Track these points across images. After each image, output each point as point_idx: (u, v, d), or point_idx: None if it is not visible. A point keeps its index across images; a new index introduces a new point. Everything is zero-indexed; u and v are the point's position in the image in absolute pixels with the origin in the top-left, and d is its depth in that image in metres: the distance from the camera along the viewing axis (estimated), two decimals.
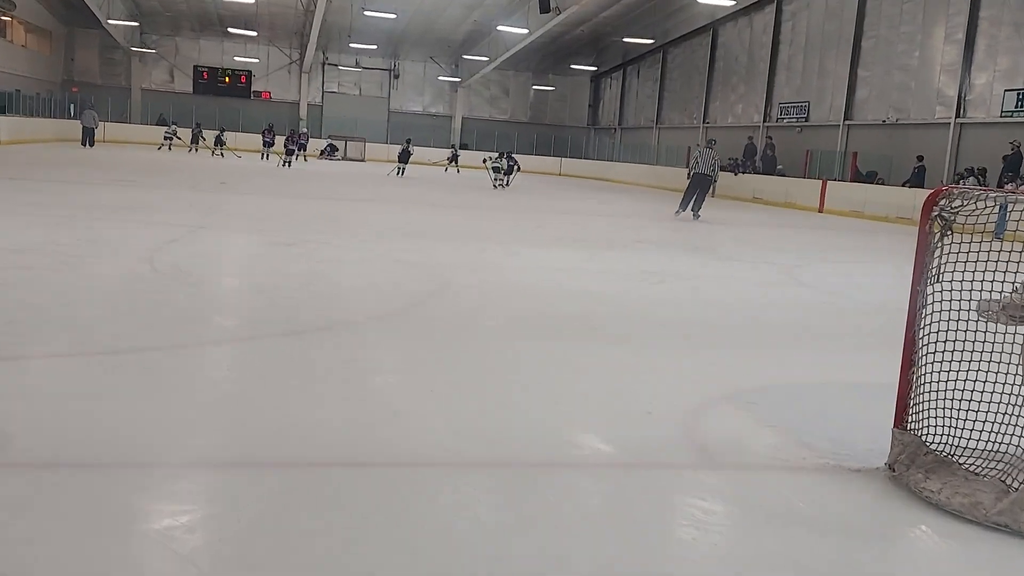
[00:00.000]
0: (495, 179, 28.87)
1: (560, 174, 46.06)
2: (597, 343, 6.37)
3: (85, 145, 35.54)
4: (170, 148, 38.57)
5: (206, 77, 46.42)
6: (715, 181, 20.23)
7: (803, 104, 31.57)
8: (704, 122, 38.51)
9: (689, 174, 20.31)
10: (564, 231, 14.95)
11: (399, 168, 32.68)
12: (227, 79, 46.65)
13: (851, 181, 26.69)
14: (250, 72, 46.88)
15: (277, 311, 6.70)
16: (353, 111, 48.07)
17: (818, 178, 27.87)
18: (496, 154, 29.84)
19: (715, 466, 4.01)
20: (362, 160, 42.89)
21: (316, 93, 48.33)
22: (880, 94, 27.94)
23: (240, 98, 46.63)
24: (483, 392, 4.88)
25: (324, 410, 4.35)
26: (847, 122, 29.26)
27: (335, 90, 48.68)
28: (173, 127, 39.46)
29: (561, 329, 6.76)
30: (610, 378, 5.36)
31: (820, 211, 26.22)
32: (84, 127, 36.00)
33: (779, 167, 30.82)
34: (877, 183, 25.73)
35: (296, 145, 36.89)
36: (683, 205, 20.30)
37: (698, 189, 19.98)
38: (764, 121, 33.86)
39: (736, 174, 31.33)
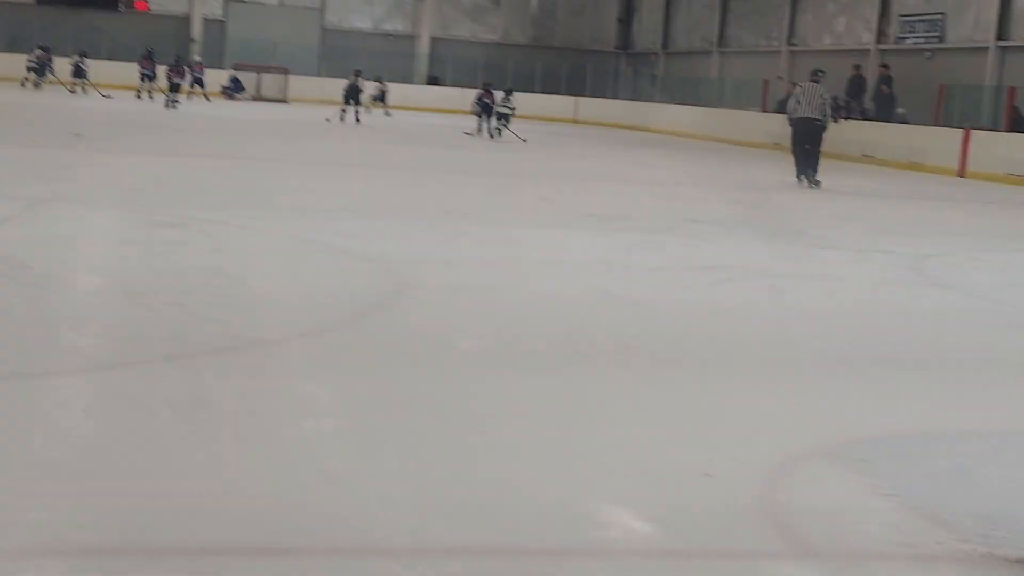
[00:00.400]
0: (493, 126, 29.95)
1: (575, 120, 46.12)
2: (631, 373, 6.36)
3: None
4: (37, 84, 38.69)
5: None
6: (826, 128, 20.72)
7: (935, 17, 31.63)
8: (789, 44, 38.60)
9: (789, 119, 20.92)
10: (582, 206, 14.95)
11: (344, 112, 32.69)
12: None
13: (1007, 131, 26.70)
14: None
15: (158, 325, 6.67)
16: (270, 29, 48.03)
17: (957, 126, 27.88)
18: (502, 92, 30.79)
19: (808, 554, 3.99)
20: (283, 101, 42.88)
21: (216, 3, 48.32)
22: None
23: (104, 10, 46.58)
24: (461, 446, 4.86)
25: (226, 471, 4.33)
26: (1000, 43, 29.31)
27: None
28: (39, 51, 39.55)
29: (578, 353, 6.74)
30: (651, 424, 5.35)
31: (961, 175, 26.23)
32: None
33: (899, 110, 30.84)
34: None
35: (186, 79, 37.13)
36: (800, 167, 20.78)
37: (806, 142, 20.59)
38: (877, 42, 33.93)
39: (836, 121, 31.22)
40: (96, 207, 11.77)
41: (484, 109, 30.85)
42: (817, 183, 20.23)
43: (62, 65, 39.47)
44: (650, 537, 4.06)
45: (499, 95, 30.72)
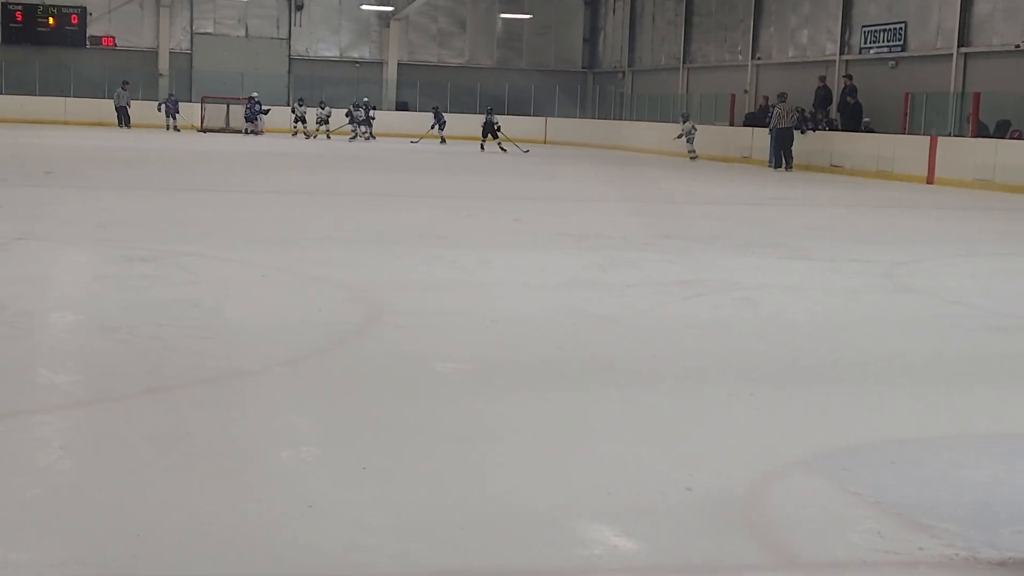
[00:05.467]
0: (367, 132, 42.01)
1: (545, 141, 46.14)
2: (610, 391, 6.35)
3: (121, 126, 41.75)
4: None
5: (20, 19, 46.21)
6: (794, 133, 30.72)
7: (898, 27, 31.76)
8: (754, 58, 38.68)
9: (772, 129, 31.15)
10: (554, 225, 14.95)
11: (483, 145, 37.83)
12: (50, 20, 46.46)
13: (973, 136, 26.83)
14: (84, 8, 46.76)
15: (134, 359, 6.65)
16: (237, 61, 47.99)
17: (923, 133, 28.00)
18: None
19: (790, 565, 3.98)
20: (257, 133, 42.64)
21: (182, 36, 48.26)
22: (1010, 7, 28.13)
23: (71, 47, 46.47)
24: (442, 470, 4.84)
25: (207, 504, 4.30)
26: (963, 50, 29.43)
27: (210, 31, 48.62)
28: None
29: (556, 372, 6.74)
30: (631, 441, 5.34)
31: (929, 182, 26.35)
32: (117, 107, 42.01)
33: (865, 119, 30.98)
34: (1012, 138, 25.87)
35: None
36: (774, 161, 30.94)
37: (783, 144, 30.76)
38: (841, 53, 34.02)
39: (803, 132, 31.42)
40: (69, 244, 11.72)
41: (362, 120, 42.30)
42: (791, 168, 30.31)
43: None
44: (634, 553, 4.04)
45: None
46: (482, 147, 37.02)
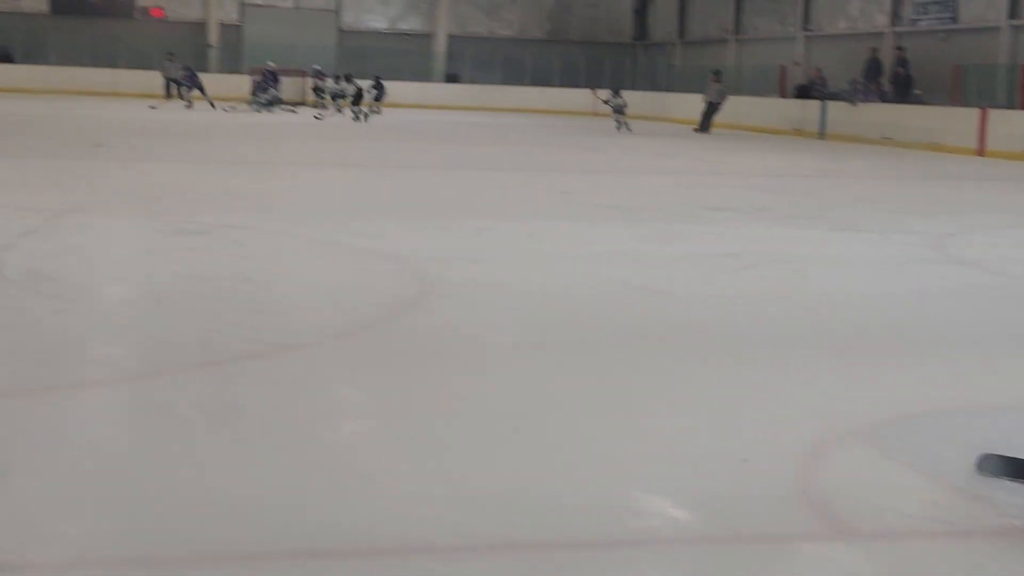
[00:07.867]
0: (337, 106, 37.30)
1: (595, 113, 46.00)
2: (662, 363, 6.36)
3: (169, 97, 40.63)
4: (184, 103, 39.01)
5: None
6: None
7: None
8: (805, 29, 38.42)
9: (720, 101, 33.90)
10: (603, 198, 14.92)
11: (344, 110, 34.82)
12: None
13: (1023, 108, 26.58)
14: None
15: (186, 332, 6.68)
16: (287, 32, 47.98)
17: (975, 106, 27.77)
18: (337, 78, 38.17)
19: (846, 535, 3.98)
20: (302, 103, 42.53)
21: (232, 8, 48.31)
22: None
23: (120, 19, 46.62)
24: (497, 443, 4.86)
25: (260, 477, 4.33)
26: (1012, 22, 29.13)
27: (259, 2, 48.64)
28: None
29: (607, 345, 6.73)
30: (685, 413, 5.35)
31: (980, 154, 26.13)
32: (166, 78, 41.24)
33: (916, 91, 30.72)
34: None
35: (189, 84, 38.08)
36: (707, 126, 34.31)
37: (717, 111, 34.41)
38: (892, 25, 33.77)
39: (854, 104, 31.19)
40: (119, 217, 11.77)
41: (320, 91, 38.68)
42: (708, 131, 34.10)
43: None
44: (691, 524, 4.05)
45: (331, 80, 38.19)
46: (366, 116, 34.63)
